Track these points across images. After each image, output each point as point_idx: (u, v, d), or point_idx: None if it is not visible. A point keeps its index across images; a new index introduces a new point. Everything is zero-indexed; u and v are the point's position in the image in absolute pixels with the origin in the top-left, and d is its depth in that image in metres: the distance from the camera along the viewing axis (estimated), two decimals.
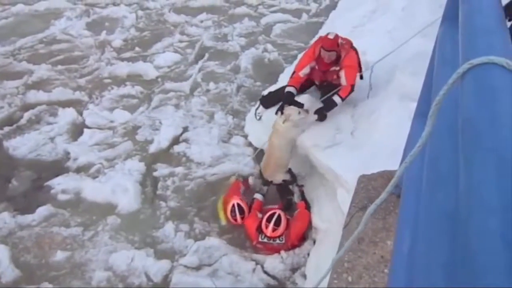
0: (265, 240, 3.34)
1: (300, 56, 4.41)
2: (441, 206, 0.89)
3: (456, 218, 0.70)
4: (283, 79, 4.96)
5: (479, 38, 0.69)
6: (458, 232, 0.58)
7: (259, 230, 3.36)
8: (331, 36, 3.67)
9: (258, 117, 4.43)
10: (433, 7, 4.58)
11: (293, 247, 3.41)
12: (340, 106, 4.11)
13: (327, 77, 3.90)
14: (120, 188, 3.81)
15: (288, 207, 3.70)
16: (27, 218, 3.58)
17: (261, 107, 4.46)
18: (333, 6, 7.44)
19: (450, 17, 1.16)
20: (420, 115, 1.55)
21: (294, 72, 3.98)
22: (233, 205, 3.56)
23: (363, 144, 3.38)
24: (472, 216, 0.47)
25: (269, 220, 3.34)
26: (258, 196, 3.73)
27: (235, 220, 3.55)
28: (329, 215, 3.36)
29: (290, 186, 3.80)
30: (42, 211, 3.63)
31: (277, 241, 3.34)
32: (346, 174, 3.10)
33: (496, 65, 0.59)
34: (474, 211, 0.47)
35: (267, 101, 4.42)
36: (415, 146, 0.85)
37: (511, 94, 0.56)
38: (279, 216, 3.36)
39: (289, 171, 3.85)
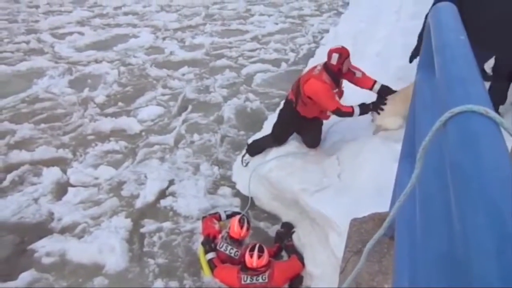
0: (248, 281, 3.25)
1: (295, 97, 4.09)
2: (436, 247, 0.91)
3: (452, 259, 0.72)
4: (267, 127, 5.06)
5: (456, 87, 0.74)
6: (457, 274, 0.59)
7: (242, 268, 3.28)
8: (339, 46, 3.78)
9: (244, 164, 4.48)
10: (406, 51, 4.83)
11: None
12: (325, 150, 4.21)
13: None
14: (106, 247, 3.69)
15: (283, 250, 3.67)
16: (10, 286, 3.40)
17: (247, 154, 4.52)
18: (310, 54, 7.81)
19: (426, 65, 1.24)
20: (406, 156, 1.60)
21: (337, 108, 3.75)
22: (243, 218, 3.63)
23: (351, 186, 3.41)
24: (470, 260, 0.49)
25: (251, 250, 3.28)
26: (210, 255, 3.55)
27: (241, 227, 3.54)
28: (322, 260, 3.31)
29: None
30: (26, 276, 3.45)
31: (260, 279, 3.24)
32: (337, 218, 3.10)
33: (475, 113, 0.64)
34: (472, 255, 0.48)
35: (253, 149, 4.49)
36: (406, 187, 0.89)
37: (492, 140, 0.60)
38: (260, 245, 3.31)
39: (286, 224, 3.89)
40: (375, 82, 3.89)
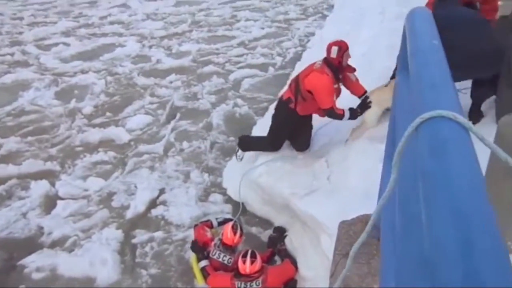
0: (242, 287, 3.24)
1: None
2: (415, 249, 0.92)
3: (428, 263, 0.73)
4: (256, 132, 5.08)
5: (427, 92, 0.76)
6: (433, 278, 0.60)
7: (236, 275, 3.27)
8: (338, 39, 3.85)
9: (239, 159, 4.45)
10: (391, 52, 4.89)
11: None
12: (313, 153, 4.23)
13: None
14: (98, 259, 3.65)
15: (276, 254, 3.67)
16: None
17: (240, 150, 4.48)
18: (297, 58, 7.84)
19: (404, 68, 1.26)
20: (388, 157, 1.62)
21: (331, 108, 3.78)
22: (235, 224, 3.59)
23: (340, 188, 3.43)
24: (437, 266, 0.50)
25: (244, 256, 3.27)
26: (203, 263, 3.54)
27: (234, 233, 3.52)
28: (315, 262, 3.32)
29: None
30: None
31: (254, 285, 3.24)
32: (327, 220, 3.11)
33: (444, 118, 0.65)
34: (439, 262, 0.49)
35: (245, 144, 4.45)
36: (385, 192, 0.90)
37: (460, 145, 0.61)
38: (252, 251, 3.30)
39: (279, 228, 3.88)
40: (365, 91, 3.96)
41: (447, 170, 0.55)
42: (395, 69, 3.96)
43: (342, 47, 3.77)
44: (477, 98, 3.44)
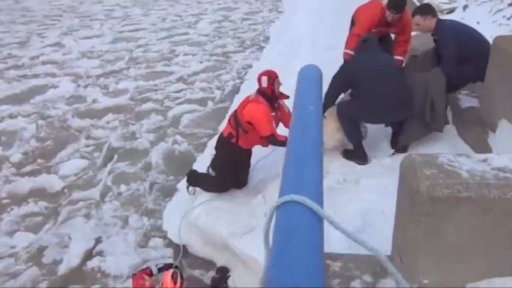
0: None
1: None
2: None
3: None
4: (196, 169, 5.01)
5: (292, 172, 0.79)
6: None
7: None
8: (266, 69, 4.07)
9: (192, 194, 4.40)
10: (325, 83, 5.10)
11: None
12: (251, 189, 4.25)
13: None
14: None
15: None
16: None
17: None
18: (236, 90, 7.95)
19: None
20: None
21: (271, 134, 3.87)
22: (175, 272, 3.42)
23: None
24: None
25: None
26: None
27: (174, 283, 3.36)
28: None
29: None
30: None
31: None
32: None
33: (296, 203, 0.67)
34: None
35: (193, 180, 4.40)
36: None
37: (306, 230, 0.63)
38: None
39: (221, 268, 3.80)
40: None
41: (287, 268, 0.56)
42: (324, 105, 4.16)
43: (271, 76, 3.95)
44: (395, 126, 3.67)
